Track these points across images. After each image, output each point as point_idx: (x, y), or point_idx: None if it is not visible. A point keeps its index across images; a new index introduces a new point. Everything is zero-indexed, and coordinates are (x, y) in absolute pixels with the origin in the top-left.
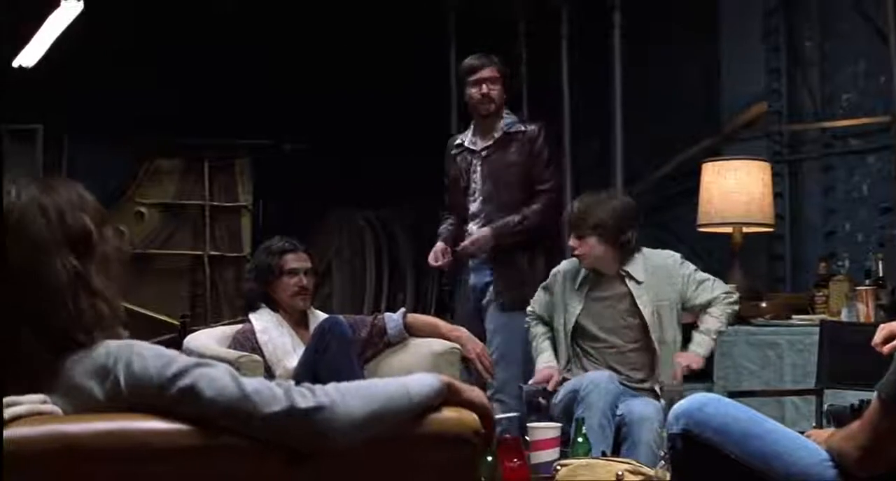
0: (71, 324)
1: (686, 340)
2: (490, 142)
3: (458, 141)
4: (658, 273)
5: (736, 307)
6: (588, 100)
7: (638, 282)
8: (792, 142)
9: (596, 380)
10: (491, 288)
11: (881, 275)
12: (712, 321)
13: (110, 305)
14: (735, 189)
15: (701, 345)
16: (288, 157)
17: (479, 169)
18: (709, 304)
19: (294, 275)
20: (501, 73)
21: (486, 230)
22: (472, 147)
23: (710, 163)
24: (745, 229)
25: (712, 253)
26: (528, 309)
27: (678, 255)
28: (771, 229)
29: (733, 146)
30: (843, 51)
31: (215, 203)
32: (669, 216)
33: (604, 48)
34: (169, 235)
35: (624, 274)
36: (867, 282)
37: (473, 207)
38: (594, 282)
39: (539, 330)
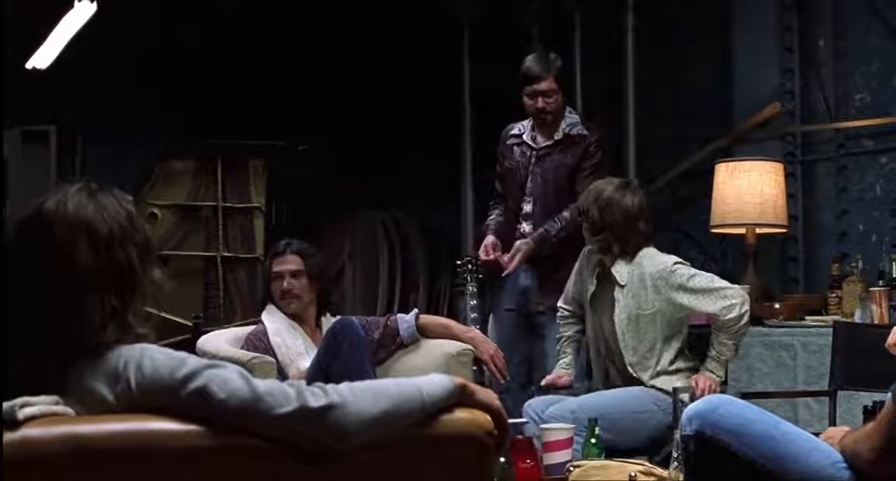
0: (93, 344)
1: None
2: (549, 143)
3: (516, 131)
4: (645, 281)
5: (741, 323)
6: (601, 101)
7: (620, 286)
8: (805, 143)
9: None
10: (531, 293)
11: (894, 276)
12: (721, 348)
13: (140, 330)
14: (748, 190)
15: (715, 369)
16: (301, 159)
17: (536, 168)
18: (710, 321)
19: (278, 278)
20: (559, 79)
21: (526, 242)
22: (531, 143)
23: (723, 164)
24: (758, 230)
25: (725, 254)
26: (559, 303)
27: (671, 262)
28: (784, 230)
29: (746, 147)
30: (857, 51)
31: (228, 204)
32: (682, 217)
33: (617, 50)
34: (182, 236)
35: (611, 275)
36: (881, 283)
37: (527, 208)
38: (601, 272)
39: (566, 332)
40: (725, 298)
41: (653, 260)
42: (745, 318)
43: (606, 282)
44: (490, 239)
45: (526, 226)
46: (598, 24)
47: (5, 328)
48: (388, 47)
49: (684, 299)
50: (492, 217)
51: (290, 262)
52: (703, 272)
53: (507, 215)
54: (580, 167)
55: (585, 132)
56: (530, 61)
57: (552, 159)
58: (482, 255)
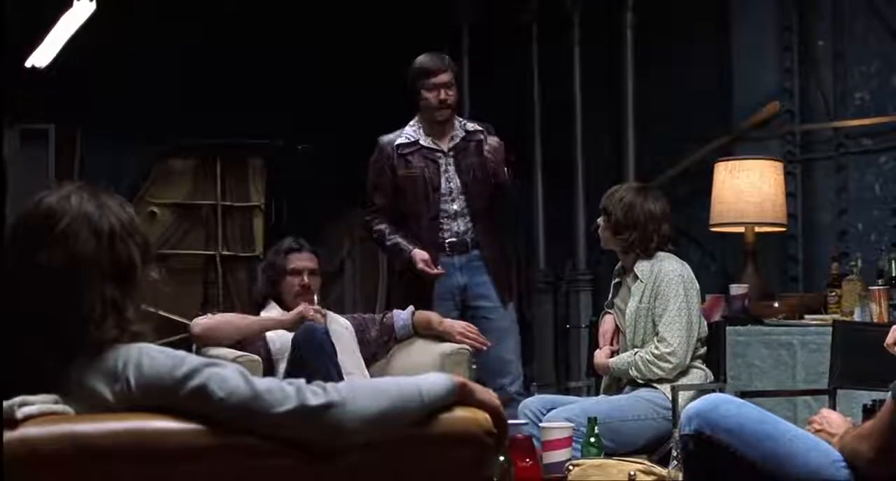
0: (91, 340)
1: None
2: (456, 142)
3: (405, 140)
4: (656, 279)
5: (652, 368)
6: (600, 100)
7: (641, 281)
8: (804, 142)
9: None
10: (484, 287)
11: (894, 275)
12: (627, 360)
13: (138, 327)
14: (747, 189)
15: (616, 361)
16: (300, 157)
17: (450, 168)
18: (643, 344)
19: (297, 274)
20: (456, 74)
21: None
22: (433, 146)
23: (722, 163)
24: (757, 229)
25: (725, 252)
26: None
27: (680, 275)
28: (783, 229)
29: (746, 146)
30: (856, 50)
31: (228, 203)
32: (682, 216)
33: (616, 49)
34: (181, 235)
35: (632, 272)
36: (880, 281)
37: (454, 207)
38: (623, 274)
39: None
40: (666, 344)
41: (670, 262)
42: (655, 369)
43: (627, 281)
44: (421, 253)
45: (458, 225)
46: (597, 24)
47: (4, 324)
48: (387, 47)
49: (654, 315)
50: (396, 235)
51: (308, 260)
52: (682, 309)
53: (401, 227)
54: (499, 165)
55: (479, 127)
56: (425, 57)
57: (465, 156)
58: (428, 270)
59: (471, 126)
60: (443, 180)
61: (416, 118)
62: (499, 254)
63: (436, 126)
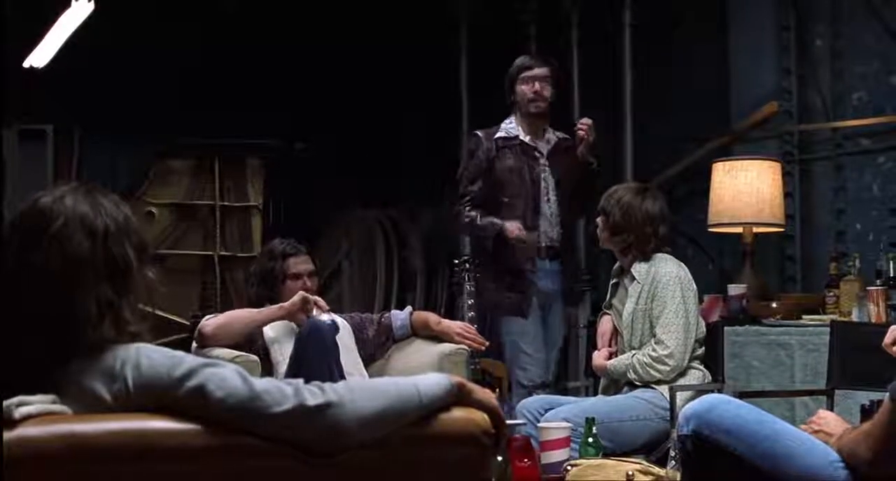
0: (89, 340)
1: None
2: (550, 146)
3: (504, 134)
4: (653, 281)
5: (649, 370)
6: (598, 100)
7: (638, 282)
8: (802, 142)
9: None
10: (558, 287)
11: (892, 275)
12: (625, 363)
13: (136, 327)
14: (746, 189)
15: (613, 364)
16: (299, 158)
17: (546, 169)
18: (641, 345)
19: (298, 278)
20: (555, 74)
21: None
22: (533, 145)
23: (720, 163)
24: (755, 229)
25: (723, 253)
26: None
27: (677, 277)
28: (781, 229)
29: (744, 146)
30: (854, 50)
31: (226, 203)
32: (680, 216)
33: (614, 49)
34: (179, 235)
35: (629, 273)
36: (878, 282)
37: (548, 209)
38: (620, 275)
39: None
40: (663, 347)
41: (667, 264)
42: (653, 371)
43: (624, 283)
44: (515, 223)
45: (551, 230)
46: (595, 24)
47: (3, 325)
48: (385, 47)
49: (653, 317)
50: (486, 216)
51: (306, 262)
52: (680, 311)
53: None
54: (594, 145)
55: (567, 136)
56: (525, 56)
57: (559, 163)
58: (521, 236)
59: (559, 134)
60: (541, 180)
61: (513, 117)
62: (575, 265)
63: (534, 124)
